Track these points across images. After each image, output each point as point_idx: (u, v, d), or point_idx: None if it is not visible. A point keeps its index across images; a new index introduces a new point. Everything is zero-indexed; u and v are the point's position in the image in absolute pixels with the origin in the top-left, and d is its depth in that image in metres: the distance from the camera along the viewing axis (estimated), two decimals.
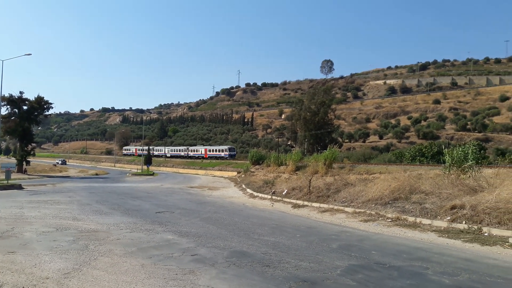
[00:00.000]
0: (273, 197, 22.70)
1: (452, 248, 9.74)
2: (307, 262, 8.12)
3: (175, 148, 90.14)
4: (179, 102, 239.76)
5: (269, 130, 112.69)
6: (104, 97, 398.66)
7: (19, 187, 28.25)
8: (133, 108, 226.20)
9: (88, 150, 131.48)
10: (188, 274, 7.17)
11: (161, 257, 8.46)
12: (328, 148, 30.19)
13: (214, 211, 17.09)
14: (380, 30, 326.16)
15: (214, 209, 18.07)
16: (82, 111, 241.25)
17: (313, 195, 20.04)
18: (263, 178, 30.77)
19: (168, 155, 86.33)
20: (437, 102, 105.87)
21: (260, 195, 24.42)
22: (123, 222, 13.49)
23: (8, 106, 50.05)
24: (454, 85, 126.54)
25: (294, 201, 20.20)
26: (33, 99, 51.95)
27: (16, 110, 51.06)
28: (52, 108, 54.69)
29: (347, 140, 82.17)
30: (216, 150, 73.86)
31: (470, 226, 11.53)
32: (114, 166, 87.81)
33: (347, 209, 16.51)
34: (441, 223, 12.41)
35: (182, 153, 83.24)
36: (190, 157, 78.26)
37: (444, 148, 20.80)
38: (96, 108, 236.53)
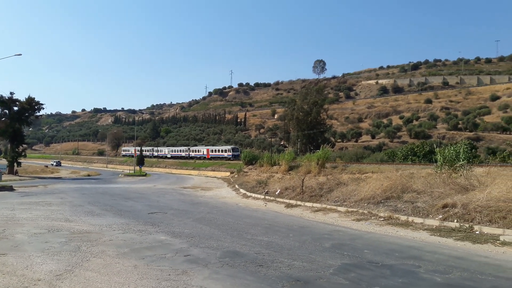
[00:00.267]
0: (266, 197, 22.71)
1: (444, 247, 9.82)
2: (300, 262, 8.15)
3: (176, 148, 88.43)
4: (171, 102, 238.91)
5: (262, 130, 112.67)
6: (95, 97, 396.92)
7: (10, 188, 27.89)
8: (125, 109, 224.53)
9: (80, 151, 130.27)
10: (181, 275, 7.16)
11: (154, 257, 8.43)
12: (320, 148, 30.36)
13: (207, 212, 17.05)
14: (372, 30, 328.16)
15: (207, 209, 18.04)
16: (73, 111, 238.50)
17: (306, 195, 20.09)
18: (256, 178, 30.79)
19: (169, 155, 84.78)
20: (428, 101, 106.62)
21: (253, 195, 24.43)
22: (116, 223, 13.42)
23: None
24: (445, 84, 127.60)
25: (287, 200, 20.24)
26: (24, 100, 51.53)
27: (7, 111, 50.63)
28: (43, 109, 54.45)
29: (339, 140, 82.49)
30: (219, 151, 71.14)
31: (461, 224, 11.63)
32: (106, 167, 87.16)
33: (339, 208, 16.58)
34: (433, 222, 12.51)
35: (183, 154, 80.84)
36: (192, 158, 75.86)
37: (436, 147, 21.05)
38: (88, 109, 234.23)
